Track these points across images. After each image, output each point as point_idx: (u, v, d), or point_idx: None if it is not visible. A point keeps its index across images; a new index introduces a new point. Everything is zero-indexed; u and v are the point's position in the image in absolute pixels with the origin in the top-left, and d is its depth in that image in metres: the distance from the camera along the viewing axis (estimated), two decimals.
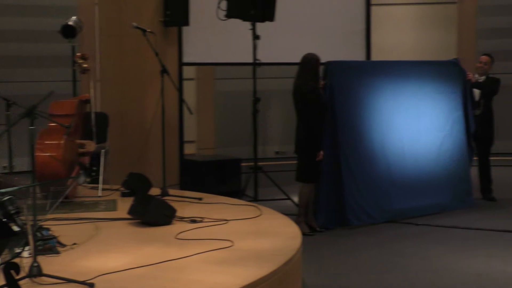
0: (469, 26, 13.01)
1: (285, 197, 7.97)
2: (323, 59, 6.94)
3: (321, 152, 6.67)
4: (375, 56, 10.41)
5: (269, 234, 4.90)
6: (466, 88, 8.07)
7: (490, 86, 8.26)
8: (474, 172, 8.25)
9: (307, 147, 6.72)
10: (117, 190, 6.20)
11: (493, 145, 8.43)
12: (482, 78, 8.28)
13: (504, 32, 12.88)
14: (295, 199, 7.76)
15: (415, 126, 7.63)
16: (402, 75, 7.60)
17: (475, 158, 8.36)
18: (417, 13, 13.46)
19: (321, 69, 6.95)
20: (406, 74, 7.64)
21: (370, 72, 7.44)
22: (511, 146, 12.30)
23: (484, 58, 8.42)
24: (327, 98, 7.05)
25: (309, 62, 6.75)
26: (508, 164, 10.90)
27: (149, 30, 6.37)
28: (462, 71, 8.08)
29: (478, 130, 8.14)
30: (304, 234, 6.10)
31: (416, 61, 8.04)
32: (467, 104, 8.07)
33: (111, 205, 5.70)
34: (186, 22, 8.44)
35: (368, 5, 10.20)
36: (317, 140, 6.69)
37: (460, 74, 8.05)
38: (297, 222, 6.45)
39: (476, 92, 8.25)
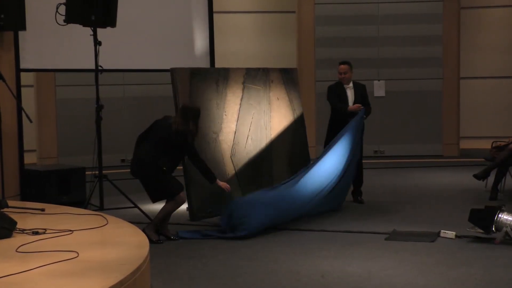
0: (307, 35, 13.52)
1: (132, 206, 7.85)
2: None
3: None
4: (219, 63, 10.53)
5: (116, 244, 4.80)
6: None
7: (364, 101, 8.42)
8: None
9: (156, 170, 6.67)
10: None
11: None
12: (350, 86, 8.49)
13: (340, 41, 13.49)
14: (142, 207, 7.69)
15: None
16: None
17: None
18: (259, 21, 13.79)
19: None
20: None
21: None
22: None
23: (343, 67, 8.45)
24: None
25: (191, 113, 6.63)
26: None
27: None
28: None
29: None
30: (152, 242, 6.07)
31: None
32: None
33: None
34: (22, 27, 8.09)
35: (211, 12, 10.29)
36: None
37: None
38: (147, 229, 6.40)
39: (350, 97, 8.44)
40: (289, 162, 8.20)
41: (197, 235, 6.89)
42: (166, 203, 6.75)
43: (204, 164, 6.77)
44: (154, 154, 6.63)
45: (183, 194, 6.74)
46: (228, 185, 6.87)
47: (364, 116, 8.23)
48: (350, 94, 8.46)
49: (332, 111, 8.50)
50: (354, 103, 8.40)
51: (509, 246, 6.28)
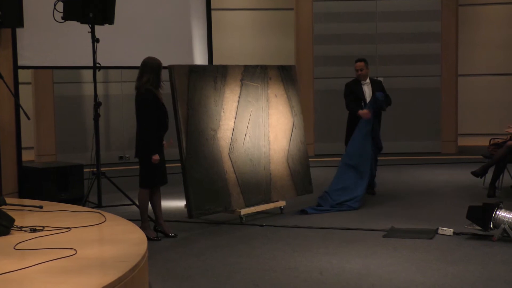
0: (305, 32, 13.51)
1: (130, 203, 7.85)
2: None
3: (155, 157, 6.59)
4: (217, 61, 10.53)
5: (114, 241, 4.80)
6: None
7: (387, 100, 8.67)
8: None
9: (141, 151, 6.65)
10: None
11: None
12: (367, 82, 8.66)
13: (337, 38, 13.48)
14: None
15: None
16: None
17: None
18: (257, 18, 13.79)
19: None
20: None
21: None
22: None
23: (359, 64, 8.71)
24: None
25: (147, 66, 6.67)
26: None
27: None
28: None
29: None
30: (150, 239, 6.07)
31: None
32: None
33: None
34: (20, 24, 8.08)
35: (209, 9, 10.28)
36: (149, 144, 6.62)
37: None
38: (143, 228, 6.39)
39: (367, 93, 8.67)
40: (287, 159, 8.20)
41: (313, 211, 7.89)
42: None
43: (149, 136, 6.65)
44: (139, 135, 6.64)
45: (145, 190, 6.73)
46: (156, 158, 6.64)
47: (384, 108, 8.60)
48: (368, 90, 8.72)
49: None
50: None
51: (507, 243, 6.29)
